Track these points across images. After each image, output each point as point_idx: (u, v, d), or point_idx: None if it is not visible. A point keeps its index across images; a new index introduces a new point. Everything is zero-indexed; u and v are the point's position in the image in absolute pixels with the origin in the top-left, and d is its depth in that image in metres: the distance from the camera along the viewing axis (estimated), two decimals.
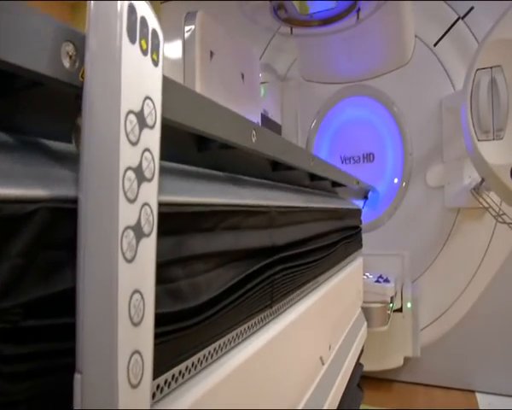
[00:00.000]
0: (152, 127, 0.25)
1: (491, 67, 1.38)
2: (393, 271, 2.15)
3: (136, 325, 0.23)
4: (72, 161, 0.27)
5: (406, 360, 2.07)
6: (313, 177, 0.79)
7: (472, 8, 2.01)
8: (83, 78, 0.23)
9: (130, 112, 0.23)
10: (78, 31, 0.23)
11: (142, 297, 0.23)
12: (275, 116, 2.37)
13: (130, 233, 0.23)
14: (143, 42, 0.24)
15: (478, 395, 2.02)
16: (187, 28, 1.70)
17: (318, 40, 2.01)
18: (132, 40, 0.23)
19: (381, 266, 2.17)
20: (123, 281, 0.22)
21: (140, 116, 0.24)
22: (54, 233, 0.23)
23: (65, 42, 0.23)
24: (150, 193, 0.24)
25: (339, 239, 0.88)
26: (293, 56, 2.41)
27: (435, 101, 2.12)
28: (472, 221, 2.05)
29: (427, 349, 2.10)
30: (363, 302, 1.19)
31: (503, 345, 1.99)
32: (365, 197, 1.56)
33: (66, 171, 0.26)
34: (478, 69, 1.39)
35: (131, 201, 0.23)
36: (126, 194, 0.22)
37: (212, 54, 1.73)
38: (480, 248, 2.05)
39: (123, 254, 0.22)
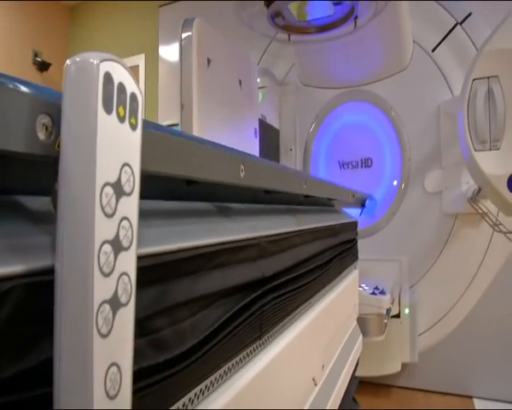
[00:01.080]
0: (130, 194, 0.25)
1: (487, 77, 1.37)
2: (391, 276, 2.15)
3: (112, 398, 0.23)
4: (51, 220, 0.27)
5: (404, 365, 2.07)
6: (308, 195, 0.79)
7: (470, 14, 2.00)
8: (59, 147, 0.23)
9: (106, 184, 0.23)
10: (55, 101, 0.23)
11: (119, 369, 0.23)
12: (273, 121, 2.37)
13: (107, 307, 0.23)
14: (121, 109, 0.24)
15: (475, 400, 2.03)
16: (184, 35, 1.69)
17: (316, 46, 2.01)
18: (109, 110, 0.23)
19: (378, 272, 2.17)
20: (98, 356, 0.22)
21: (117, 186, 0.24)
22: (30, 308, 0.23)
23: (41, 114, 0.23)
24: (128, 261, 0.24)
25: (333, 256, 0.88)
26: (291, 61, 2.40)
27: (433, 106, 2.12)
28: (470, 227, 2.05)
29: (426, 355, 2.10)
30: (359, 314, 1.19)
31: (500, 351, 2.00)
32: (362, 205, 1.56)
33: (44, 235, 0.26)
34: (474, 79, 1.39)
35: (107, 274, 0.23)
36: (102, 268, 0.22)
37: (209, 61, 1.72)
38: (477, 253, 2.05)
39: (98, 330, 0.22)
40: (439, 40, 2.09)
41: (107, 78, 0.23)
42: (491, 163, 1.35)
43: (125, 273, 0.24)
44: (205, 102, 1.68)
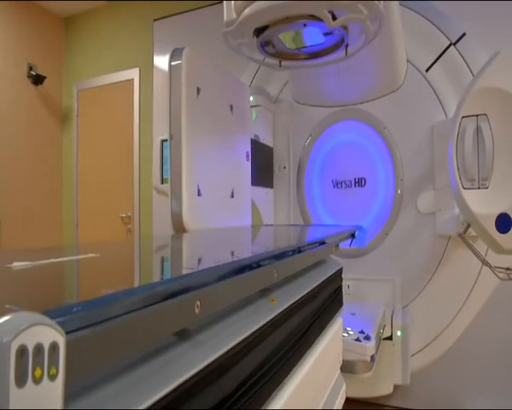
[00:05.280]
0: None
1: (476, 115, 1.36)
2: (384, 296, 2.16)
3: None
4: None
5: (396, 385, 2.08)
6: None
7: (464, 35, 1.98)
8: None
9: None
10: None
11: None
12: (266, 139, 2.36)
13: None
14: (37, 371, 0.24)
15: None
16: (173, 64, 1.67)
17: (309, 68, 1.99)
18: (22, 384, 0.23)
19: (371, 292, 2.18)
20: None
21: None
22: None
23: None
24: None
25: (313, 321, 0.88)
26: (285, 79, 2.39)
27: (427, 126, 2.10)
28: (463, 248, 2.04)
29: (418, 375, 2.11)
30: (344, 359, 1.19)
31: (492, 372, 2.00)
32: (352, 236, 1.55)
33: None
34: (463, 117, 1.37)
35: None
36: None
37: (198, 90, 1.71)
38: (471, 275, 2.05)
39: None
40: (433, 60, 2.07)
41: (21, 351, 0.23)
42: (479, 202, 1.34)
43: None
44: (194, 132, 1.67)
